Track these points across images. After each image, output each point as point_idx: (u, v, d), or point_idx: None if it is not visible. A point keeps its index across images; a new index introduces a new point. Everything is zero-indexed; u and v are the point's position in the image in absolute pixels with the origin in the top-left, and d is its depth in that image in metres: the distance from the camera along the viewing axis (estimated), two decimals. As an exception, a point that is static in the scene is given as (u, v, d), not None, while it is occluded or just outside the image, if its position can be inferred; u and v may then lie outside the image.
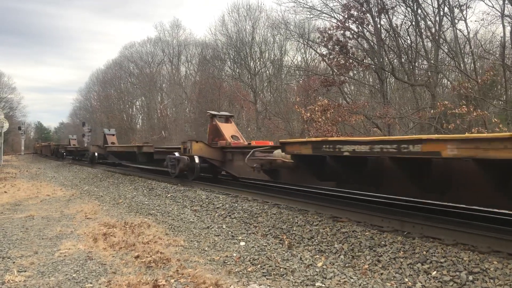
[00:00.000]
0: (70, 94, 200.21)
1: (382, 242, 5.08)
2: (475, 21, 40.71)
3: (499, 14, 16.93)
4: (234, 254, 5.29)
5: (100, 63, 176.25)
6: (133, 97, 57.39)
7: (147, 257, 5.01)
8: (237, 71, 35.41)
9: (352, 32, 19.04)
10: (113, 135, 22.85)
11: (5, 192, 12.36)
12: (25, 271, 4.63)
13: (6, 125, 31.59)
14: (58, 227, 7.03)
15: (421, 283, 4.09)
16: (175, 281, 4.24)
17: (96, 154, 22.76)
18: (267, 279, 4.40)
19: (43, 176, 19.46)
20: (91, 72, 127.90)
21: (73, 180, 16.85)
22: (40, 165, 30.32)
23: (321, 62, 26.70)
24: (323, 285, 4.19)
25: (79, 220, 7.71)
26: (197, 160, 11.09)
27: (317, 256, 5.14)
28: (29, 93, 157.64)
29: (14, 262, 4.99)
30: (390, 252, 4.81)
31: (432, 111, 15.95)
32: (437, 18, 18.27)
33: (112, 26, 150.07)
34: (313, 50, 29.16)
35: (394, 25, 18.48)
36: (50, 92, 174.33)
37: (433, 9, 18.39)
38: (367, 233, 5.44)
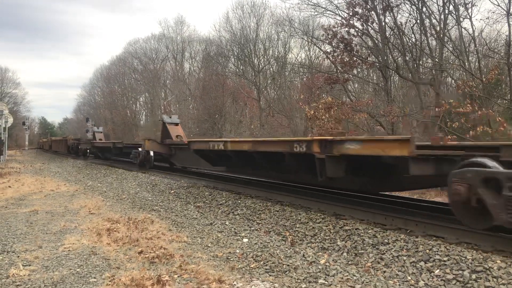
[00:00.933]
0: (74, 89, 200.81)
1: (385, 240, 5.08)
2: (480, 19, 40.49)
3: (504, 12, 16.84)
4: (237, 251, 5.31)
5: (104, 59, 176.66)
6: (137, 93, 57.45)
7: (150, 252, 5.04)
8: (241, 68, 35.36)
9: (357, 29, 18.99)
10: (177, 124, 15.35)
11: (9, 186, 12.42)
12: (29, 265, 4.66)
13: (10, 120, 31.72)
14: (62, 222, 7.07)
15: (424, 281, 4.09)
16: (178, 276, 4.26)
17: (152, 153, 15.63)
18: (270, 275, 4.41)
19: (47, 171, 19.54)
20: (95, 68, 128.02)
21: (77, 175, 16.91)
22: (44, 160, 30.42)
23: (325, 59, 26.64)
24: (326, 282, 4.20)
25: (83, 215, 7.75)
26: None
27: (320, 253, 5.15)
28: (33, 88, 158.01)
29: (18, 256, 5.02)
30: (393, 250, 4.81)
31: (436, 109, 15.89)
32: (442, 16, 18.16)
33: (117, 21, 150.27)
34: (317, 48, 29.07)
35: (399, 23, 18.39)
36: (54, 87, 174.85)
37: (438, 7, 18.28)
38: (370, 231, 5.45)
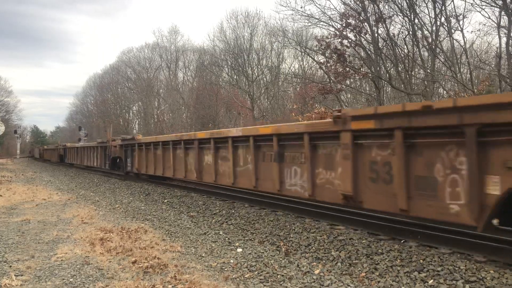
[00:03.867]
0: (66, 98, 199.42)
1: (379, 250, 5.10)
2: (472, 31, 41.04)
3: (495, 25, 17.14)
4: (231, 261, 5.29)
5: (97, 68, 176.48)
6: (130, 102, 57.39)
7: (144, 262, 5.01)
8: (235, 77, 35.52)
9: (350, 40, 19.18)
10: None
11: (1, 195, 12.29)
12: (21, 275, 4.61)
13: (2, 129, 31.47)
14: (54, 231, 7.01)
15: (418, 291, 4.11)
16: (172, 287, 4.24)
17: None
18: (265, 285, 4.40)
19: (39, 180, 19.38)
20: (88, 77, 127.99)
21: (69, 184, 16.79)
22: (37, 168, 30.16)
23: (318, 69, 26.82)
24: (321, 293, 4.20)
25: (75, 224, 7.68)
26: None
27: (315, 263, 5.15)
28: (25, 97, 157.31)
29: (10, 266, 4.97)
30: (387, 260, 4.83)
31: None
32: (434, 28, 18.40)
33: (110, 30, 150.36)
34: (310, 58, 29.32)
35: (391, 34, 18.61)
36: (47, 95, 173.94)
37: (430, 19, 18.55)
38: (364, 241, 5.46)
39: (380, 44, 19.23)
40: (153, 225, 7.70)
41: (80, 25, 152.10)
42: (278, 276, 4.65)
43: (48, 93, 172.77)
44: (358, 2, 19.20)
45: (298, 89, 29.28)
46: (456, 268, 4.28)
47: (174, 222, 7.99)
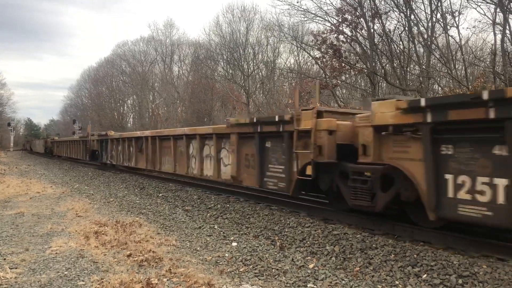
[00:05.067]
0: (61, 91, 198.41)
1: (373, 245, 5.13)
2: (467, 28, 41.18)
3: (490, 22, 17.18)
4: (226, 255, 5.31)
5: (92, 61, 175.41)
6: (125, 95, 57.11)
7: (139, 255, 5.01)
8: (230, 72, 35.40)
9: (346, 36, 19.15)
10: None
11: (-6, 188, 12.23)
12: (16, 268, 4.60)
13: (-5, 121, 31.20)
14: (49, 224, 6.99)
15: (412, 286, 4.14)
16: (167, 280, 4.25)
17: None
18: (259, 279, 4.42)
19: (33, 173, 19.29)
20: (82, 70, 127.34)
21: (63, 177, 16.73)
22: (30, 162, 29.99)
23: (314, 65, 26.82)
24: (315, 286, 4.22)
25: (70, 218, 7.67)
26: None
27: (309, 257, 5.18)
28: (19, 89, 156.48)
29: (5, 259, 4.95)
30: (381, 255, 4.86)
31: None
32: (430, 24, 18.41)
33: (105, 23, 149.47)
34: (306, 53, 29.27)
35: (387, 30, 18.61)
36: (41, 88, 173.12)
37: (425, 15, 18.55)
38: (358, 236, 5.49)
39: (376, 40, 19.24)
40: (148, 218, 7.70)
41: (77, 18, 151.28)
42: (273, 270, 4.67)
43: (42, 86, 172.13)
44: (354, -3, 19.18)
45: (293, 84, 29.25)
46: (450, 263, 4.31)
47: (169, 216, 7.99)
